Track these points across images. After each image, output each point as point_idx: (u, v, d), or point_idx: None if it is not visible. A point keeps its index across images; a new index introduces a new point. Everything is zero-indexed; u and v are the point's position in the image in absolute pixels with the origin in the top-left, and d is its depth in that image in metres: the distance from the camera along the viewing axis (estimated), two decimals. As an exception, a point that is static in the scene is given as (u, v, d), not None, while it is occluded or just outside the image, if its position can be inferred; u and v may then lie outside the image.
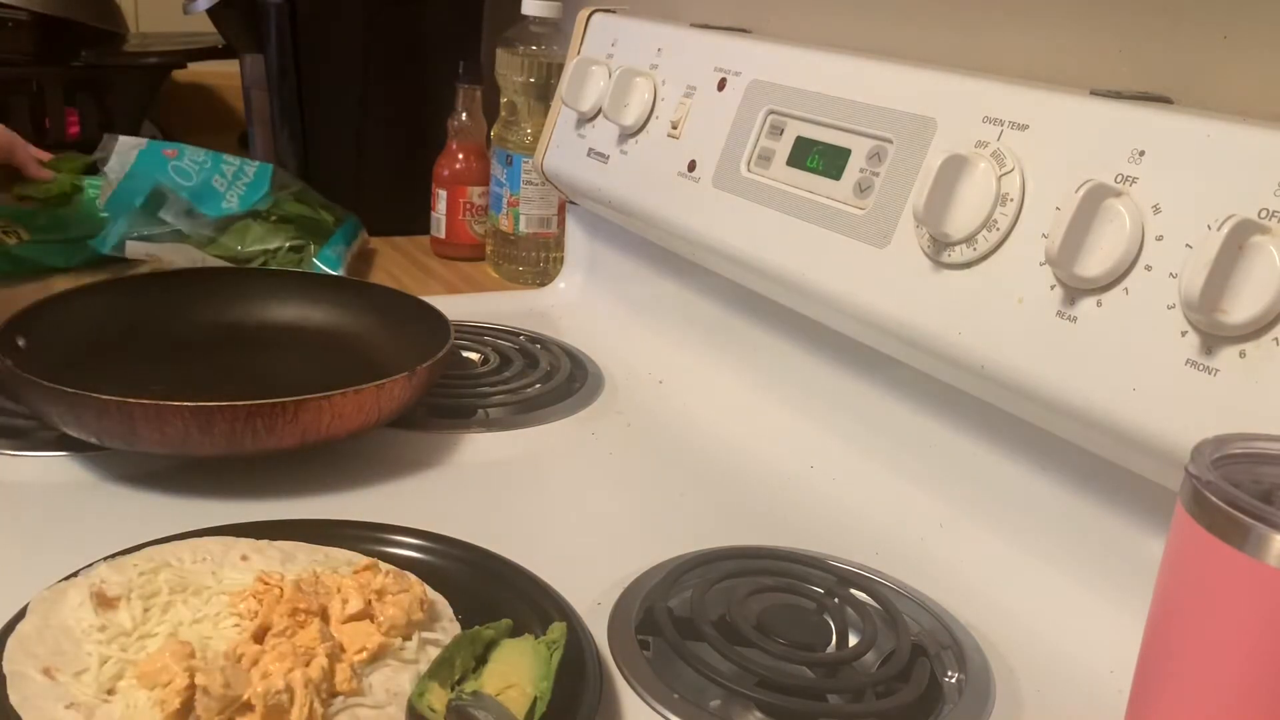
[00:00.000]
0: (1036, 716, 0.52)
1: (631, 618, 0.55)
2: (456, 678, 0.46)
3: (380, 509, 0.62)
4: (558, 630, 0.49)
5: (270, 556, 0.53)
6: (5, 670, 0.43)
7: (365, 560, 0.53)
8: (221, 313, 0.83)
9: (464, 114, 1.16)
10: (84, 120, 1.41)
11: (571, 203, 1.06)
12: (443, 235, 1.18)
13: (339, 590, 0.49)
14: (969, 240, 0.59)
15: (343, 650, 0.46)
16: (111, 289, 0.82)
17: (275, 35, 1.17)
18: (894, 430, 0.72)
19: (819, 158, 0.72)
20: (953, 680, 0.53)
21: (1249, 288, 0.46)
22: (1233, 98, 0.58)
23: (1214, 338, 0.48)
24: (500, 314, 0.98)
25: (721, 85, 0.81)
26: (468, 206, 1.16)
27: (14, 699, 0.42)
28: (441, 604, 0.52)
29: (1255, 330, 0.47)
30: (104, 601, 0.47)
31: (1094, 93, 0.58)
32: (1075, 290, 0.54)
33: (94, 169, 1.08)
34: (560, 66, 1.03)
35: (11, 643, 0.45)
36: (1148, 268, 0.51)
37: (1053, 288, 0.55)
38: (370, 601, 0.49)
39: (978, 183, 0.59)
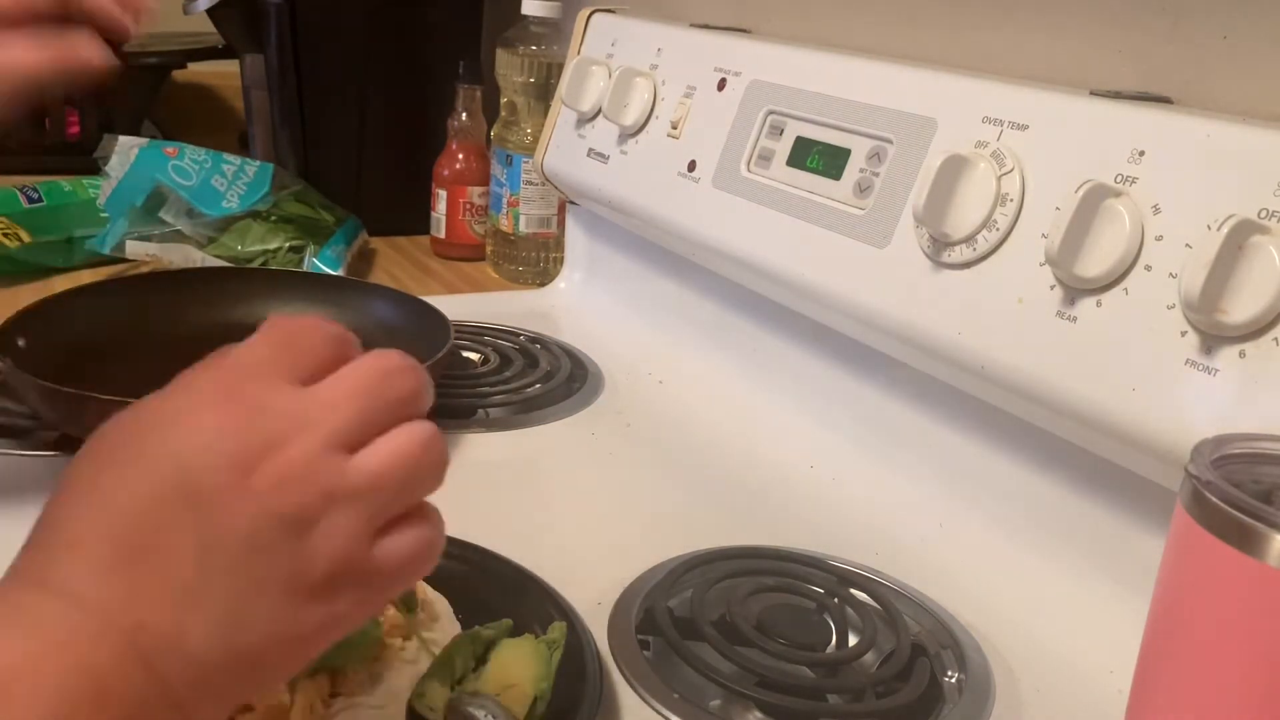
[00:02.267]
0: (1036, 716, 0.52)
1: (631, 618, 0.55)
2: (457, 678, 0.46)
3: (380, 509, 0.62)
4: (558, 630, 0.49)
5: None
6: (5, 670, 0.43)
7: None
8: (221, 313, 0.83)
9: (464, 114, 1.16)
10: (84, 120, 1.41)
11: (571, 203, 1.06)
12: (443, 235, 1.18)
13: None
14: (969, 240, 0.59)
15: (343, 650, 0.46)
16: (111, 289, 0.82)
17: (275, 35, 1.17)
18: (894, 430, 0.72)
19: (819, 158, 0.72)
20: (952, 680, 0.53)
21: (1249, 288, 0.46)
22: (1233, 98, 0.58)
23: (1214, 338, 0.48)
24: (500, 314, 0.98)
25: (721, 85, 0.82)
26: (468, 206, 1.16)
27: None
28: (441, 604, 0.52)
29: (1255, 330, 0.47)
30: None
31: (1094, 93, 0.58)
32: (1075, 290, 0.54)
33: (94, 168, 1.08)
34: (560, 66, 1.03)
35: (12, 643, 0.45)
36: (1147, 268, 0.51)
37: (1053, 288, 0.55)
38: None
39: (978, 183, 0.59)
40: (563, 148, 0.98)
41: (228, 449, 0.30)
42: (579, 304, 1.04)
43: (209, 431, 0.31)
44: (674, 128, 0.85)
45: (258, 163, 1.11)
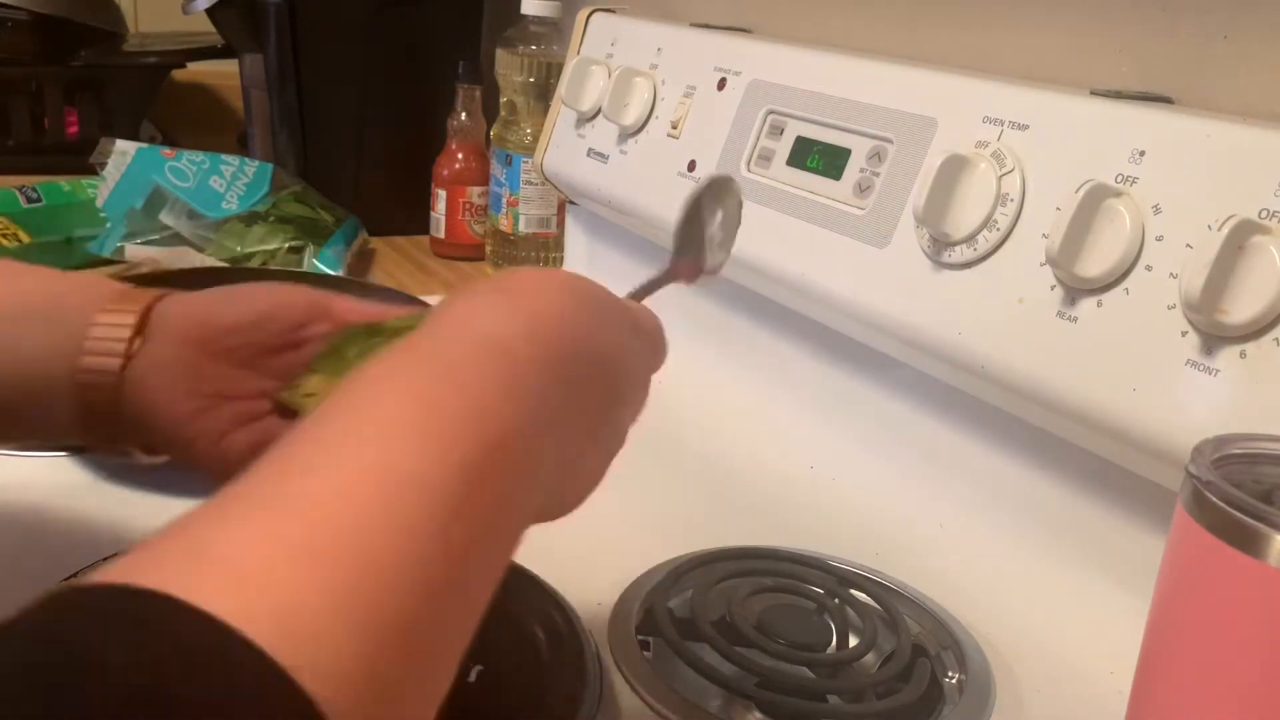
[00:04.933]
0: (1036, 716, 0.52)
1: (631, 618, 0.54)
2: (347, 371, 0.43)
3: (380, 509, 0.62)
4: (413, 319, 0.46)
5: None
6: (5, 671, 0.43)
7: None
8: (221, 313, 0.83)
9: (464, 114, 1.16)
10: (83, 120, 1.41)
11: (571, 203, 1.06)
12: (442, 235, 1.18)
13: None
14: (969, 240, 0.59)
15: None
16: (111, 289, 0.81)
17: (275, 35, 1.17)
18: (894, 430, 0.72)
19: (819, 158, 0.72)
20: (953, 681, 0.53)
21: (1249, 288, 0.46)
22: (1233, 98, 0.58)
23: (1214, 338, 0.48)
24: (500, 314, 0.98)
25: (721, 85, 0.81)
26: (467, 206, 1.16)
27: (14, 700, 0.42)
28: (441, 604, 0.52)
29: (1255, 330, 0.47)
30: (104, 602, 0.47)
31: (1094, 93, 0.58)
32: (1075, 290, 0.54)
33: (92, 170, 1.08)
34: (560, 66, 1.03)
35: (11, 643, 0.45)
36: (1148, 268, 0.51)
37: (1053, 288, 0.55)
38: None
39: (978, 183, 0.59)
40: (562, 148, 0.98)
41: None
42: (579, 304, 1.04)
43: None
44: (674, 127, 0.85)
45: (256, 163, 1.11)
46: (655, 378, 0.89)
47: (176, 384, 0.44)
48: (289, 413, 0.44)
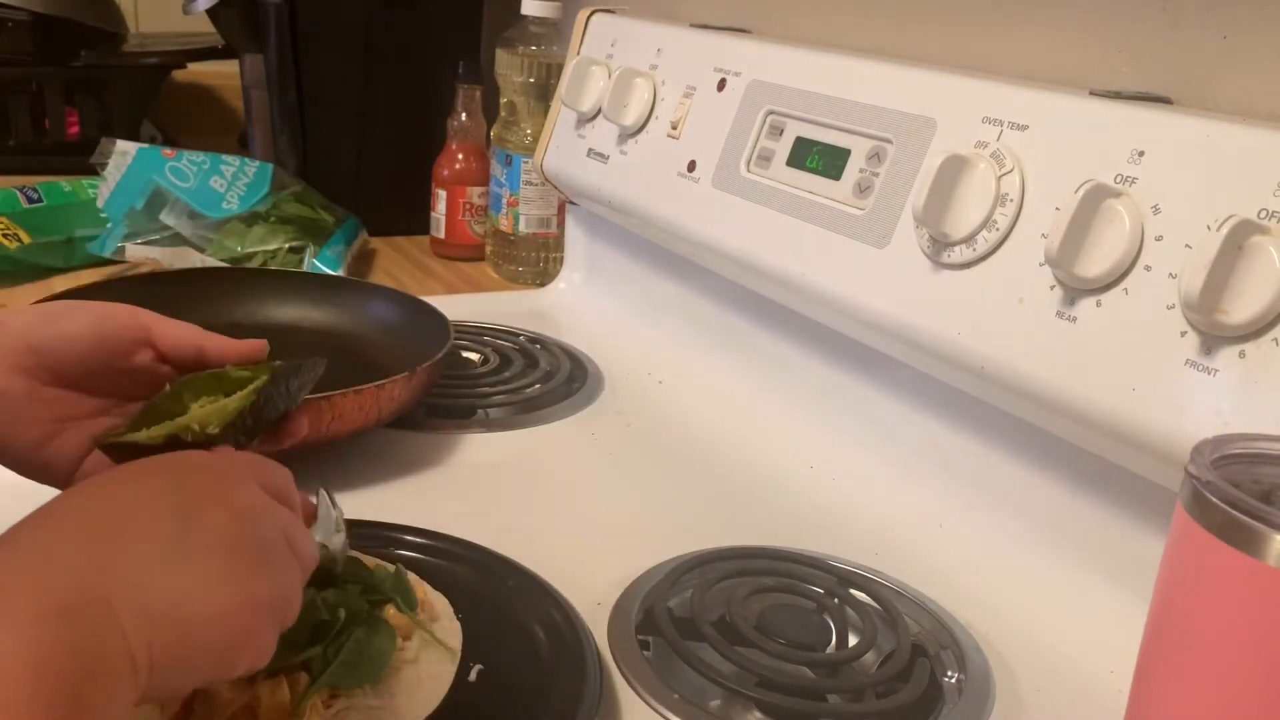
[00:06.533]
0: (1036, 716, 0.52)
1: (631, 618, 0.55)
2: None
3: (380, 509, 0.62)
4: (256, 372, 0.49)
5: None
6: (5, 671, 0.43)
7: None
8: (221, 313, 0.83)
9: (464, 114, 1.16)
10: (84, 120, 1.41)
11: (571, 203, 1.06)
12: (442, 235, 1.18)
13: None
14: (969, 240, 0.59)
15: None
16: (111, 289, 0.82)
17: (275, 35, 1.17)
18: (894, 430, 0.72)
19: (819, 158, 0.72)
20: (952, 680, 0.53)
21: (1249, 288, 0.46)
22: (1233, 98, 0.58)
23: (1214, 338, 0.48)
24: (500, 314, 0.98)
25: (721, 85, 0.82)
26: (467, 206, 1.16)
27: (14, 699, 0.42)
28: (442, 603, 0.52)
29: (1255, 330, 0.47)
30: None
31: (1094, 93, 0.58)
32: (1075, 290, 0.54)
33: (92, 170, 1.08)
34: (560, 66, 1.03)
35: (12, 643, 0.45)
36: (1147, 268, 0.51)
37: (1053, 288, 0.55)
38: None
39: (977, 183, 0.59)
40: (563, 148, 0.98)
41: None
42: (579, 304, 1.04)
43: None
44: (674, 128, 0.85)
45: (257, 163, 1.11)
46: (657, 378, 0.89)
47: (20, 413, 0.46)
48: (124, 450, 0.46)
